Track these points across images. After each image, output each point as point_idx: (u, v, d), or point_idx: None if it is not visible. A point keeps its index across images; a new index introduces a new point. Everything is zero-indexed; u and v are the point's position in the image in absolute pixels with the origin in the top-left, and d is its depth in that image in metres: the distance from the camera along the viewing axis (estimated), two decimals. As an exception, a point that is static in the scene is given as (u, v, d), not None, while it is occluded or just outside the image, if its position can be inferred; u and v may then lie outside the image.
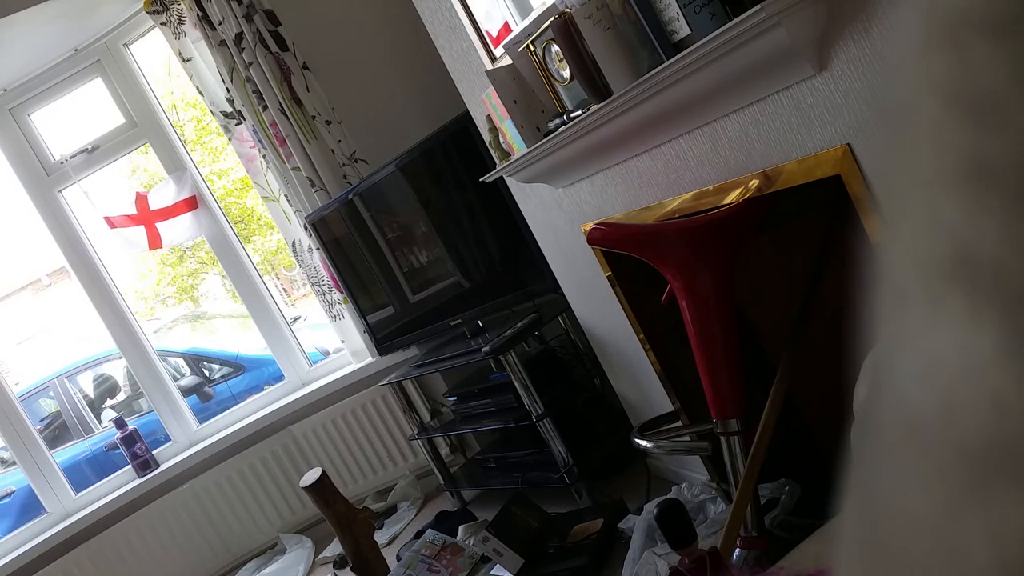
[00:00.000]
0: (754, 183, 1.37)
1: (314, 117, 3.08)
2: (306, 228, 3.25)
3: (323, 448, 3.42)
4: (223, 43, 3.08)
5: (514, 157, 1.89)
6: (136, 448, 3.46)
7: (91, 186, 3.60)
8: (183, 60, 3.26)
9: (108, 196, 3.72)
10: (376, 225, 3.01)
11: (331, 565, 3.01)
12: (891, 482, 0.21)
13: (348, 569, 2.53)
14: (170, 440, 3.63)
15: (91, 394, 5.71)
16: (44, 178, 3.53)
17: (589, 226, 1.69)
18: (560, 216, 2.21)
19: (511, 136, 1.89)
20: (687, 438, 1.92)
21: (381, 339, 3.20)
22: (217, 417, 3.66)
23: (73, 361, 5.71)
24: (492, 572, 2.28)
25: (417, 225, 2.88)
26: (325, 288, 3.37)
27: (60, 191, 3.55)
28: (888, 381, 0.21)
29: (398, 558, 2.61)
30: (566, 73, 1.56)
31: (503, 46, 1.85)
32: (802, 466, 1.76)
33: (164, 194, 3.50)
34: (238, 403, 3.73)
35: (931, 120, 0.21)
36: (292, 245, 3.44)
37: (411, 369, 3.00)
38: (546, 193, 2.21)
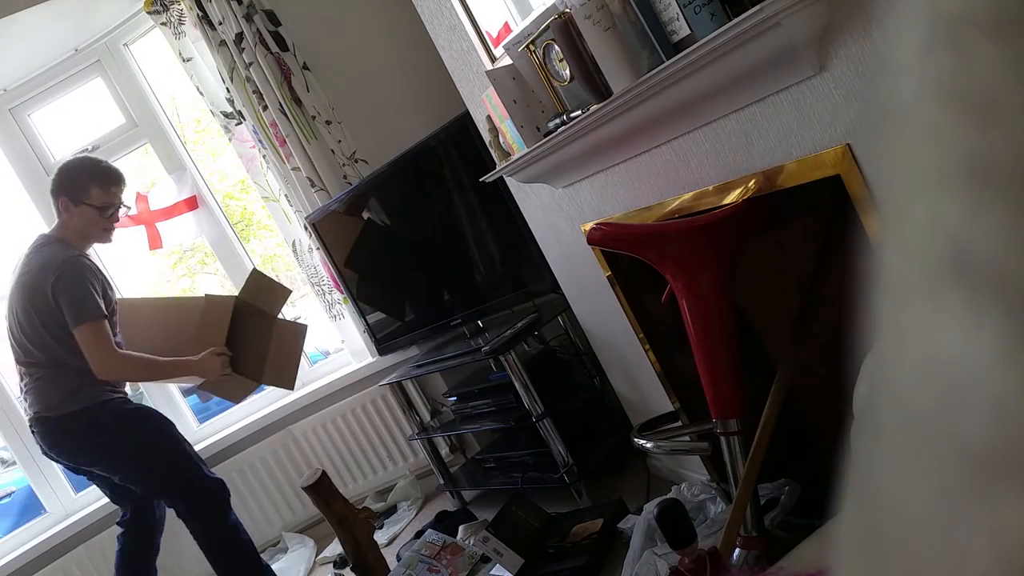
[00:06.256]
0: (754, 183, 1.37)
1: (314, 117, 3.08)
2: (306, 228, 3.25)
3: (323, 448, 3.42)
4: (223, 43, 3.08)
5: (514, 157, 1.89)
6: (136, 448, 3.45)
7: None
8: (183, 60, 3.26)
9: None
10: (376, 225, 3.00)
11: (331, 565, 3.01)
12: (891, 481, 0.21)
13: (348, 569, 2.53)
14: (170, 440, 3.62)
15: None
16: (44, 178, 3.53)
17: (589, 226, 1.69)
18: (560, 216, 2.21)
19: (511, 136, 1.89)
20: (687, 438, 1.92)
21: (381, 339, 3.20)
22: (217, 417, 3.66)
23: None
24: (492, 572, 2.28)
25: (417, 225, 2.88)
26: (325, 288, 3.37)
27: (60, 191, 3.55)
28: (888, 380, 0.21)
29: (398, 558, 2.61)
30: (566, 73, 1.56)
31: (503, 46, 1.85)
32: (802, 466, 1.76)
33: (164, 194, 3.51)
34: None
35: (931, 120, 0.21)
36: (292, 245, 3.44)
37: (411, 369, 3.00)
38: (546, 193, 2.21)
